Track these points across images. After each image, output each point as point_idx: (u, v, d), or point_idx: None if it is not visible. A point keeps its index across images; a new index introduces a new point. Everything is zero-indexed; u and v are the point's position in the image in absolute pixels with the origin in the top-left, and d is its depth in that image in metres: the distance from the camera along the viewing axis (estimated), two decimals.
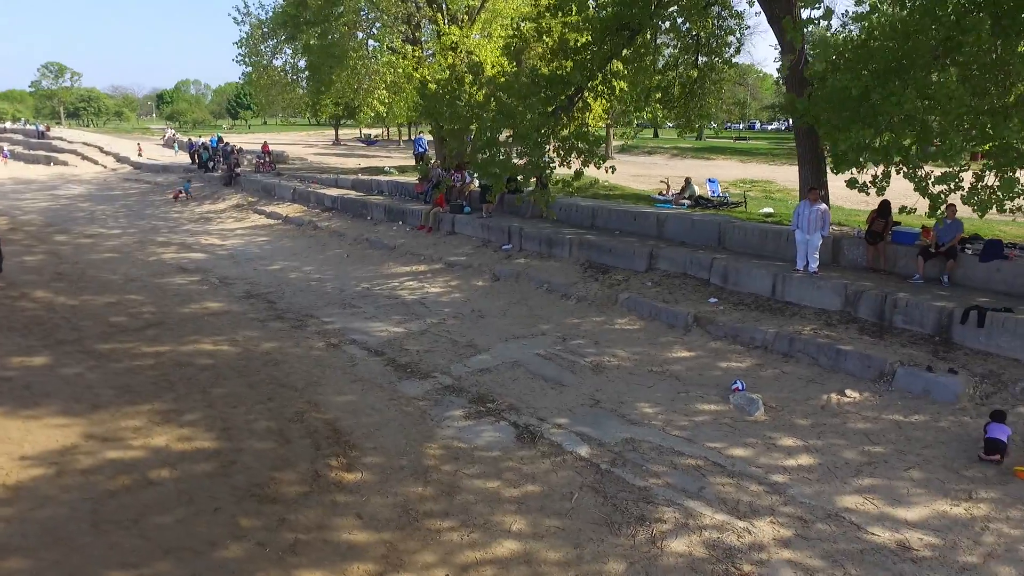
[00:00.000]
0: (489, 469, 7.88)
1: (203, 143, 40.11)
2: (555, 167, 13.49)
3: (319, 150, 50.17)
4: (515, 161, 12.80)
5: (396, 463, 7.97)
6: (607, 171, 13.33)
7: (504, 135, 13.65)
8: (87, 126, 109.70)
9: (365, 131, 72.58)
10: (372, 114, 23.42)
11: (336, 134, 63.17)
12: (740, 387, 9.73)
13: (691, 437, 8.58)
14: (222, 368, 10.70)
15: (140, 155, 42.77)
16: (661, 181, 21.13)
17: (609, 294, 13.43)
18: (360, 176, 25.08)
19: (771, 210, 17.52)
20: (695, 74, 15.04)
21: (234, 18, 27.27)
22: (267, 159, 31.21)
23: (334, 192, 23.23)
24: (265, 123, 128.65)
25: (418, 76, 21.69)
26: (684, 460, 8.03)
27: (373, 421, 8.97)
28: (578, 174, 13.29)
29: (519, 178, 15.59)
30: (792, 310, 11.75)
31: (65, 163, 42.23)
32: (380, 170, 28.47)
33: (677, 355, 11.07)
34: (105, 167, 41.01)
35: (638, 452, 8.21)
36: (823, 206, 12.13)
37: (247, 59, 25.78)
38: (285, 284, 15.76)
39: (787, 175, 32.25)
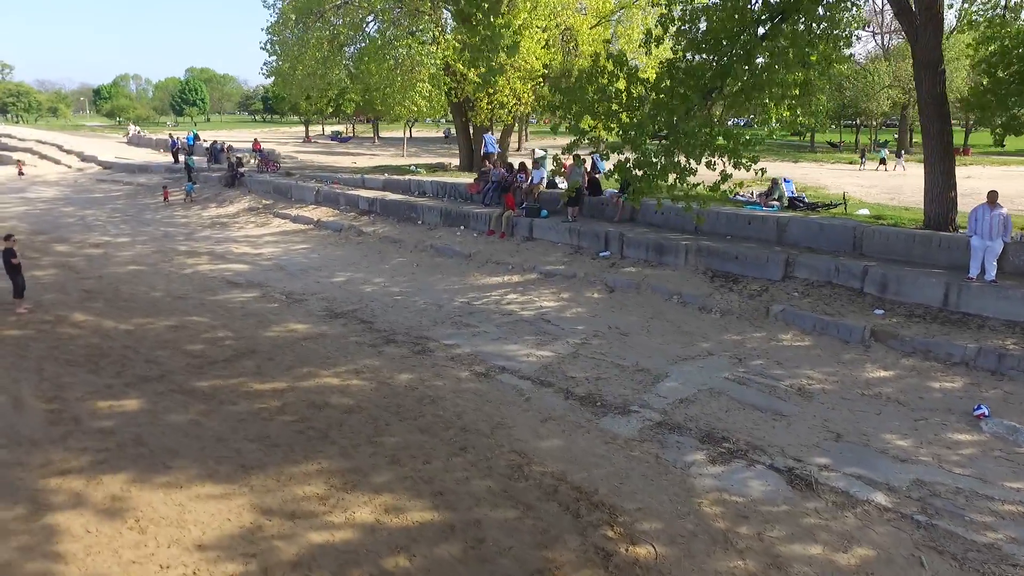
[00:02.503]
0: (795, 530, 6.49)
1: (178, 141, 37.00)
2: (695, 169, 12.15)
3: (295, 148, 47.27)
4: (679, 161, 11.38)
5: (681, 528, 6.47)
6: (757, 173, 12.07)
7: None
8: (16, 123, 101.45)
9: (333, 128, 69.45)
10: (415, 108, 21.48)
11: (307, 131, 59.99)
12: (985, 412, 8.66)
13: (980, 475, 7.41)
14: (370, 409, 8.90)
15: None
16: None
17: (754, 306, 12.19)
18: (392, 176, 23.06)
19: (867, 211, 16.73)
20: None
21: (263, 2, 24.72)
22: (270, 158, 28.65)
23: (368, 193, 21.20)
24: (208, 120, 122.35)
25: (461, 68, 19.96)
26: (1002, 506, 6.85)
27: (608, 473, 7.43)
28: (724, 177, 11.97)
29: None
30: (976, 322, 10.78)
31: (22, 163, 38.17)
32: (404, 169, 26.48)
33: (877, 375, 9.92)
34: (69, 167, 37.30)
35: (942, 497, 6.98)
36: (1004, 210, 11.22)
37: (275, 46, 23.30)
38: (367, 300, 13.87)
39: (812, 173, 31.91)
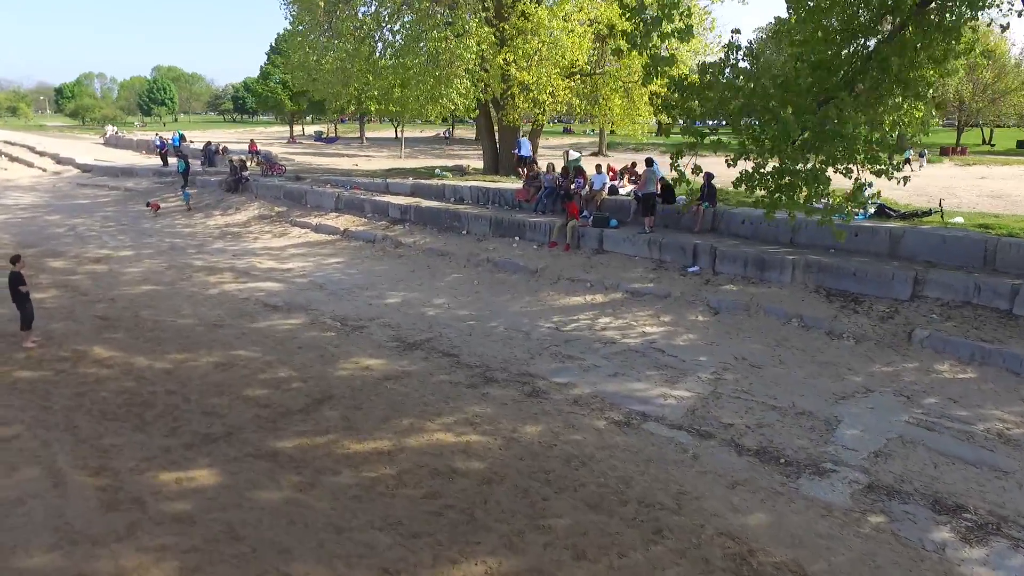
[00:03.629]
0: None
1: (165, 142, 34.50)
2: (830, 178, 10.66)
3: (283, 149, 44.77)
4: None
5: None
6: (900, 183, 10.63)
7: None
8: None
9: (316, 128, 66.83)
10: (452, 107, 19.62)
11: (291, 131, 57.42)
12: None
13: None
14: (513, 476, 7.19)
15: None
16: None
17: (890, 330, 10.78)
18: (419, 180, 21.19)
19: (961, 219, 15.52)
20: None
21: None
22: (274, 161, 26.47)
23: (398, 200, 19.34)
24: (176, 120, 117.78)
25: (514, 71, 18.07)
26: None
27: (850, 560, 5.88)
28: (860, 187, 10.51)
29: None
30: None
31: None
32: (417, 171, 24.60)
33: None
34: (44, 170, 34.47)
35: None
36: None
37: (295, 40, 21.18)
38: (437, 325, 12.10)
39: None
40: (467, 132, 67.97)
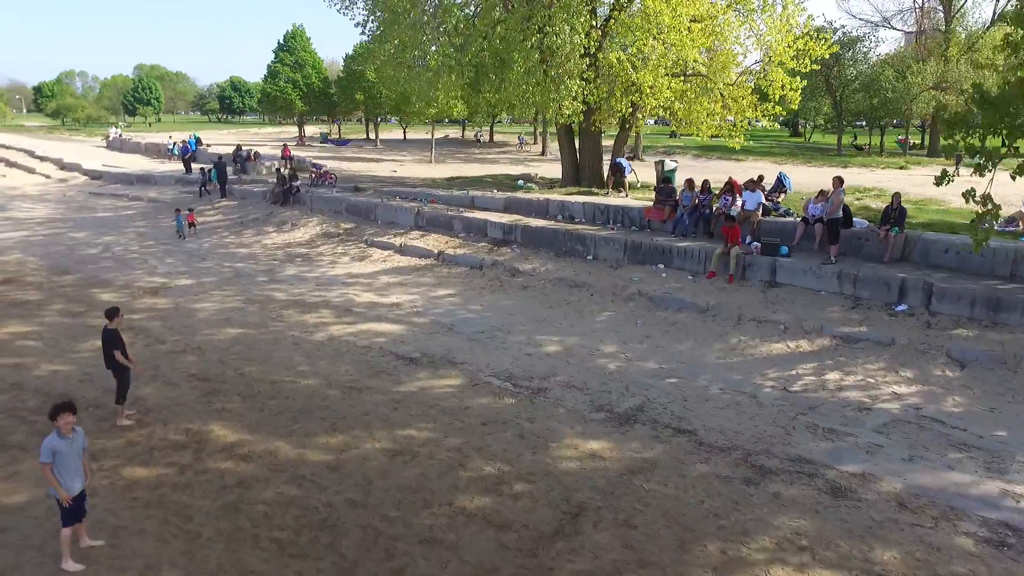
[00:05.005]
0: None
1: (175, 144, 31.54)
2: None
3: (298, 153, 41.88)
4: None
5: None
6: None
7: None
8: None
9: (322, 130, 63.61)
10: (568, 112, 17.08)
11: (301, 132, 54.31)
12: None
13: None
14: None
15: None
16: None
17: None
18: (508, 194, 18.67)
19: None
20: None
21: None
22: (323, 169, 23.72)
23: (497, 217, 16.83)
24: (160, 120, 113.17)
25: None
26: None
27: None
28: None
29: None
30: None
31: None
32: (498, 181, 22.12)
33: None
34: (48, 176, 31.30)
35: None
36: None
37: (376, 31, 18.52)
38: (632, 385, 9.68)
39: (895, 182, 28.98)
40: (461, 132, 65.40)
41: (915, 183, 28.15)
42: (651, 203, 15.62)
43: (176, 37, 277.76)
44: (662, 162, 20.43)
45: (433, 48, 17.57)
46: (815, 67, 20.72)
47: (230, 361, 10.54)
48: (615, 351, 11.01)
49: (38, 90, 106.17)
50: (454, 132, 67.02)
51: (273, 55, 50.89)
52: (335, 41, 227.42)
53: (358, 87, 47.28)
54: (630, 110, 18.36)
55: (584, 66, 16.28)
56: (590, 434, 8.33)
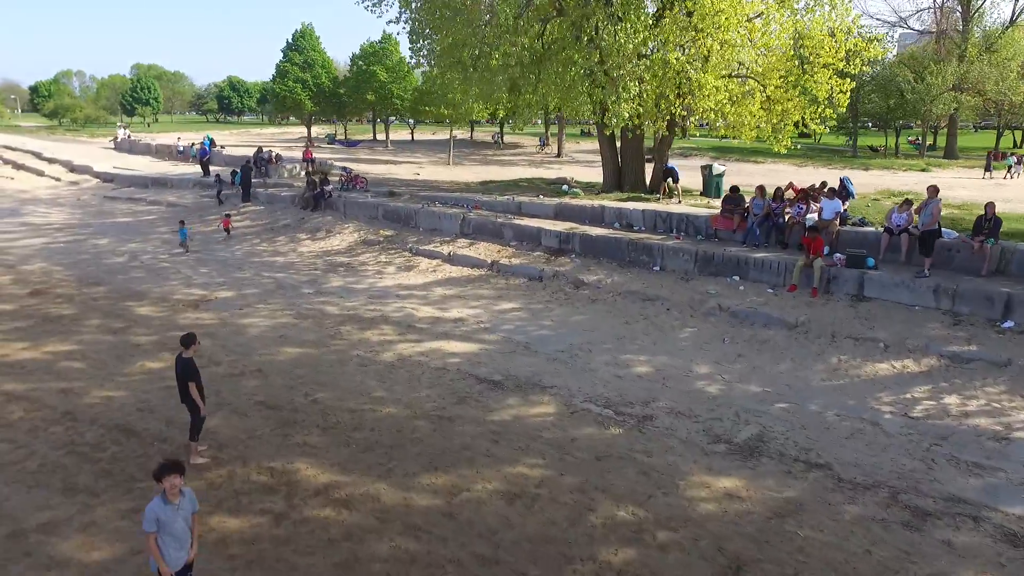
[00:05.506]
0: None
1: (186, 146, 30.62)
2: None
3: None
4: None
5: None
6: None
7: None
8: None
9: (327, 131, 62.64)
10: (626, 114, 16.22)
11: (309, 134, 53.30)
12: None
13: None
14: None
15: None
16: None
17: None
18: (568, 201, 17.75)
19: None
20: None
21: None
22: (353, 173, 22.81)
23: (551, 225, 15.97)
24: (157, 120, 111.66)
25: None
26: None
27: None
28: None
29: None
30: None
31: None
32: (547, 187, 21.29)
33: None
34: (57, 179, 30.30)
35: None
36: None
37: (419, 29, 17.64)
38: (743, 412, 8.90)
39: (925, 183, 28.19)
40: (469, 133, 64.56)
41: (946, 185, 27.46)
42: (716, 211, 14.86)
43: (171, 36, 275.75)
44: (709, 167, 19.65)
45: (491, 47, 16.68)
46: (866, 68, 20.08)
47: (297, 386, 9.71)
48: (710, 372, 10.24)
49: (34, 90, 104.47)
50: (461, 133, 66.15)
51: (282, 54, 49.92)
52: (331, 41, 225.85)
53: (368, 87, 46.41)
54: (684, 113, 17.61)
55: (643, 67, 15.49)
56: (717, 469, 7.55)
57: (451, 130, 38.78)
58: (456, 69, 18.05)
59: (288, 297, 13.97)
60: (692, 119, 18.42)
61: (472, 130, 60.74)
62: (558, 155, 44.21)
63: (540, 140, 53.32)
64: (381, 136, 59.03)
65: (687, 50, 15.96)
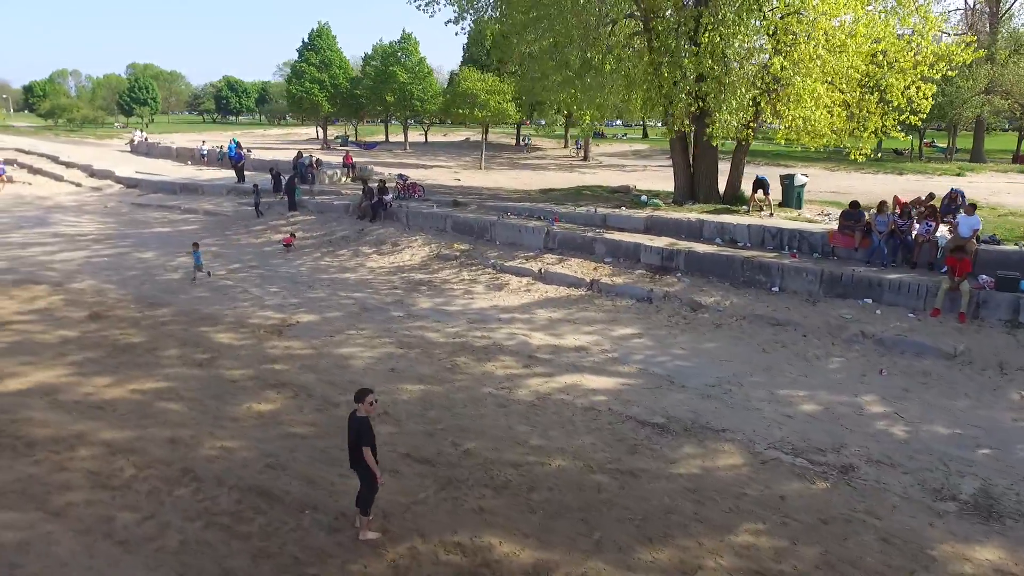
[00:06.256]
0: None
1: (210, 149, 29.36)
2: None
3: (326, 157, 39.73)
4: None
5: None
6: None
7: None
8: None
9: (338, 133, 61.23)
10: (736, 122, 15.16)
11: (325, 135, 51.92)
12: None
13: None
14: None
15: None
16: None
17: None
18: (660, 213, 16.63)
19: None
20: None
21: None
22: (409, 180, 21.63)
23: (650, 241, 14.85)
24: (153, 121, 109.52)
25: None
26: None
27: None
28: None
29: None
30: None
31: (10, 179, 29.34)
32: (607, 196, 20.22)
33: None
34: (78, 184, 28.92)
35: None
36: None
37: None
38: (947, 459, 7.90)
39: (983, 187, 27.55)
40: (483, 135, 63.40)
41: (990, 191, 26.78)
42: (815, 223, 13.92)
43: (165, 35, 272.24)
44: (791, 176, 18.68)
45: (599, 49, 15.57)
46: (951, 73, 19.24)
47: (438, 433, 8.63)
48: (883, 411, 9.25)
49: (29, 89, 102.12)
50: (473, 135, 65.00)
51: (297, 54, 48.56)
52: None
53: (387, 88, 45.15)
54: (776, 119, 16.66)
55: (752, 73, 14.51)
56: (964, 535, 6.58)
57: (484, 133, 37.66)
58: (559, 72, 16.92)
59: (379, 321, 12.86)
60: (782, 126, 17.41)
61: (486, 133, 59.47)
62: (584, 159, 43.21)
63: (576, 143, 51.75)
64: (393, 138, 57.84)
65: (786, 55, 14.96)
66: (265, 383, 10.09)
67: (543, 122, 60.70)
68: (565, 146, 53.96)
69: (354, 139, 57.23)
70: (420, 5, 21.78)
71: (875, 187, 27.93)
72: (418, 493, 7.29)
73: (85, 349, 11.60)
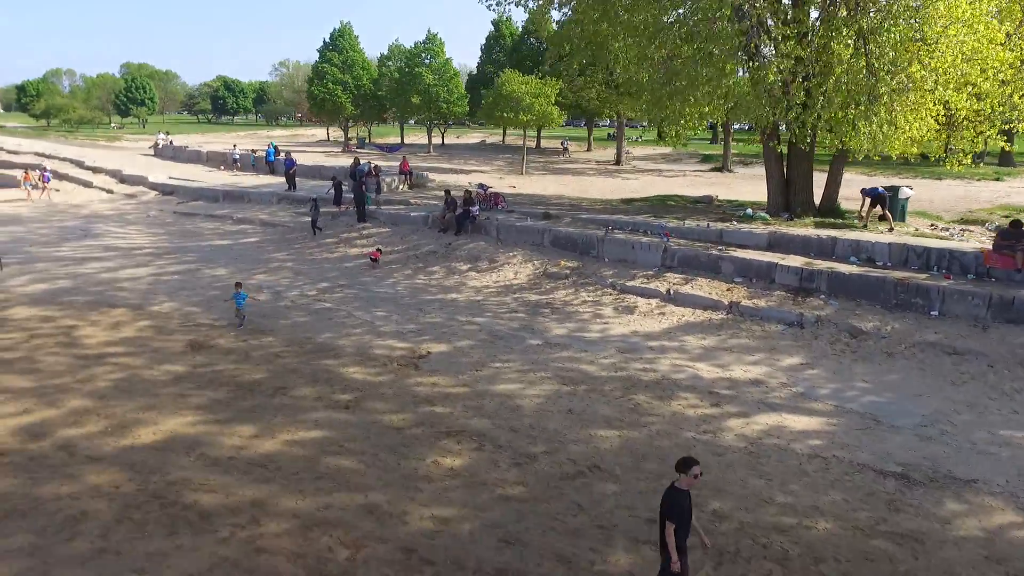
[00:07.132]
0: None
1: (243, 152, 28.10)
2: None
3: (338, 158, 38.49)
4: None
5: None
6: None
7: None
8: None
9: (348, 133, 59.71)
10: (881, 139, 14.29)
11: (346, 137, 50.53)
12: None
13: None
14: None
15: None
16: None
17: None
18: (779, 229, 15.67)
19: None
20: None
21: None
22: (490, 190, 20.51)
23: (786, 260, 13.87)
24: (148, 121, 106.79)
25: None
26: None
27: None
28: None
29: None
30: None
31: (33, 185, 27.84)
32: (711, 207, 19.24)
33: None
34: (110, 191, 27.55)
35: None
36: None
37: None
38: None
39: (956, 191, 26.92)
40: (502, 137, 62.35)
41: None
42: (942, 237, 13.14)
43: (159, 35, 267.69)
44: (896, 189, 17.89)
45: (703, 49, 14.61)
46: None
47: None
48: None
49: (22, 89, 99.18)
50: (490, 137, 63.92)
51: (318, 55, 47.23)
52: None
53: (413, 89, 43.99)
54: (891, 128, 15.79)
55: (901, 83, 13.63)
56: None
57: (524, 137, 36.60)
58: (655, 68, 15.91)
59: (519, 351, 11.81)
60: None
61: (504, 135, 58.47)
62: (617, 163, 42.37)
63: (622, 148, 50.62)
64: (408, 139, 56.62)
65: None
66: (436, 431, 9.05)
67: (583, 123, 59.52)
68: (588, 149, 53.12)
69: (368, 141, 55.92)
70: (490, 4, 20.89)
71: (929, 193, 27.38)
72: (696, 571, 6.34)
73: (203, 388, 10.45)
